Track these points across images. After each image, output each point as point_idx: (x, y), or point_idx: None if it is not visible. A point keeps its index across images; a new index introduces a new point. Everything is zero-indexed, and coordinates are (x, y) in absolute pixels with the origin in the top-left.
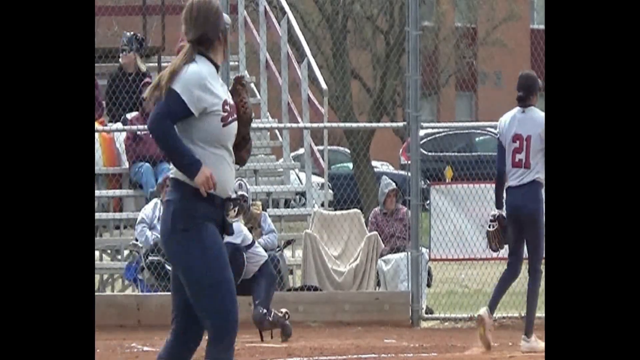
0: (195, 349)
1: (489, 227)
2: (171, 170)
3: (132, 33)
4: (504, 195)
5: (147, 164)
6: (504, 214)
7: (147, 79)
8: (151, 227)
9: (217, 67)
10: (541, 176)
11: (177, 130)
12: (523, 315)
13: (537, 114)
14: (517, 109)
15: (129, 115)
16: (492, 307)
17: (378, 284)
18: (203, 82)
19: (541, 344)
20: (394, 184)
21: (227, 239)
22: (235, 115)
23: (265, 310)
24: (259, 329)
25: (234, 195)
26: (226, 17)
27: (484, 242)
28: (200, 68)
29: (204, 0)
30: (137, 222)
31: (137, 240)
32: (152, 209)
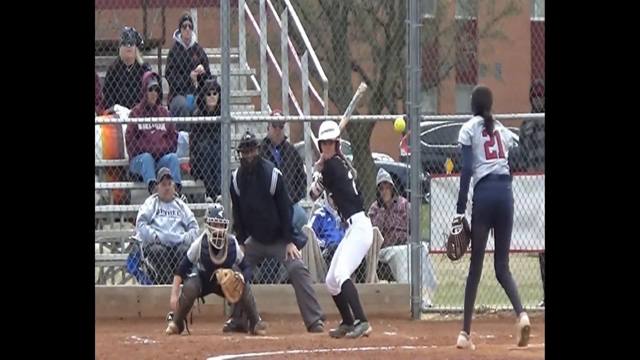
0: None
1: (453, 230)
2: None
3: (130, 28)
4: (477, 189)
5: (147, 154)
6: (466, 216)
7: (147, 72)
8: (150, 222)
9: None
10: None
11: None
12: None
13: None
14: (478, 117)
15: (120, 107)
16: (468, 327)
17: (379, 276)
18: None
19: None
20: (386, 175)
21: None
22: None
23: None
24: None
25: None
26: None
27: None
28: None
29: None
30: (137, 219)
31: (139, 237)
32: (152, 204)
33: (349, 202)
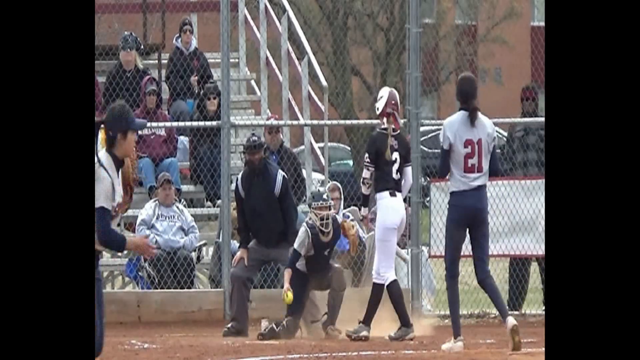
0: None
1: None
2: None
3: (129, 32)
4: (454, 195)
5: (147, 159)
6: None
7: (146, 77)
8: (150, 227)
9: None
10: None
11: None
12: (523, 312)
13: (483, 117)
14: (461, 113)
15: None
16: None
17: None
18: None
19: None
20: None
21: None
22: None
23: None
24: None
25: None
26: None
27: None
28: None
29: None
30: (137, 224)
31: None
32: (152, 209)
33: (379, 179)
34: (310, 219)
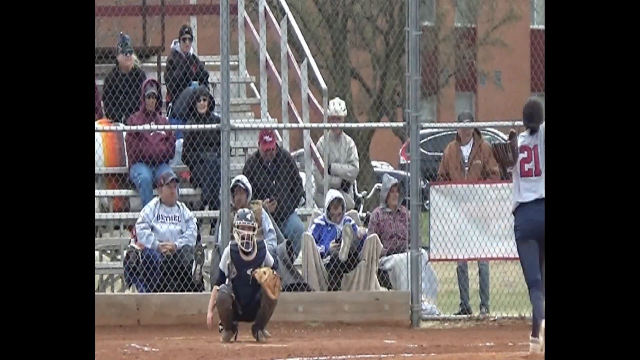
0: None
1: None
2: None
3: (126, 35)
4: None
5: (144, 168)
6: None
7: (147, 79)
8: (150, 227)
9: None
10: None
11: None
12: (522, 315)
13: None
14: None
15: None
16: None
17: (381, 284)
18: None
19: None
20: (395, 179)
21: None
22: None
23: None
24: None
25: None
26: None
27: (484, 241)
28: None
29: None
30: (137, 222)
31: (136, 240)
32: (153, 208)
33: None
34: (233, 238)
